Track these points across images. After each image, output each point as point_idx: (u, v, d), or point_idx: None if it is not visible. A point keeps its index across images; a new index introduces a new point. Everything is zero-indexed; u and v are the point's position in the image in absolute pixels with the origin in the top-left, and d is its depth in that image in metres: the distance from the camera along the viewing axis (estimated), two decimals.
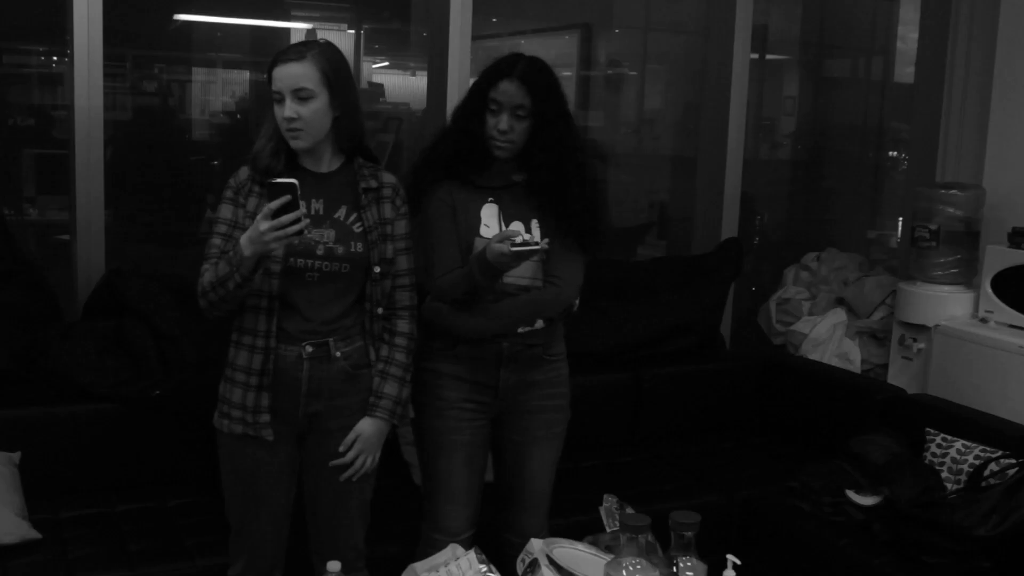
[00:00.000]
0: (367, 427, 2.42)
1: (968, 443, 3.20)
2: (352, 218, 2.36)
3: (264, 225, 2.14)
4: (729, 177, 4.45)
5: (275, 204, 2.14)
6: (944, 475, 3.17)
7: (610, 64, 6.00)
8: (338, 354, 2.37)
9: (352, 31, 5.98)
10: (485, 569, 1.95)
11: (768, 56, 5.87)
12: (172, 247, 4.91)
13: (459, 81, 3.87)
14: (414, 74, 5.85)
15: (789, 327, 4.44)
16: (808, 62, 6.11)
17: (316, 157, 2.37)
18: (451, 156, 2.53)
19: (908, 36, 5.50)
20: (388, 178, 2.44)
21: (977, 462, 3.09)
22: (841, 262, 4.59)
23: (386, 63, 6.21)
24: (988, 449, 3.13)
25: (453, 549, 2.10)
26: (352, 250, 2.34)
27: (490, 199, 2.53)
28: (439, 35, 3.93)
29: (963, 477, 3.11)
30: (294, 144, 2.31)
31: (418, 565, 2.06)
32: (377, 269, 2.37)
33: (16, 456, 2.92)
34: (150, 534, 2.86)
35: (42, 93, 4.95)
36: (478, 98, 2.50)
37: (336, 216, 2.35)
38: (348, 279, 2.36)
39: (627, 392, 3.84)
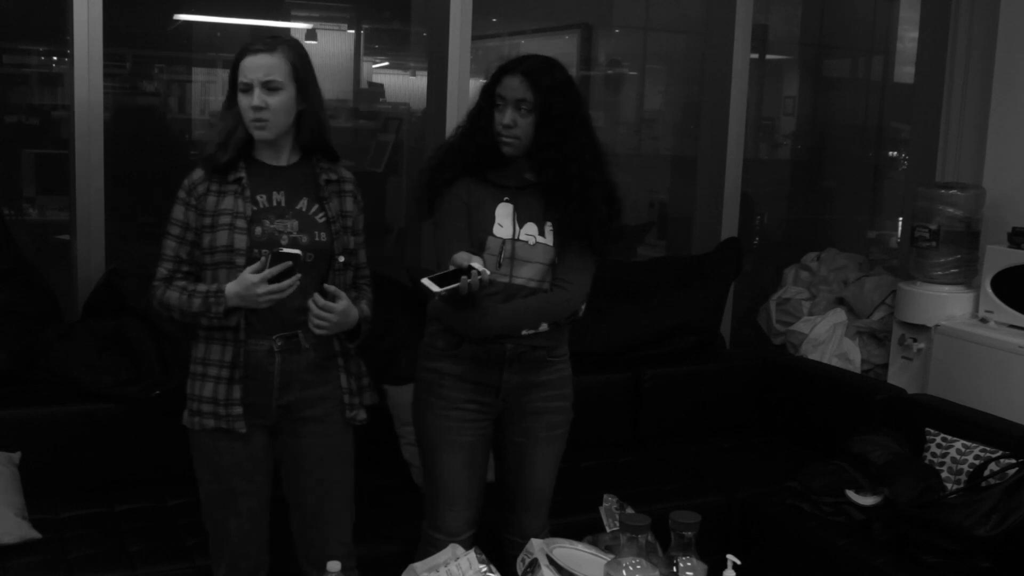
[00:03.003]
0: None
1: (968, 443, 3.20)
2: (314, 209, 2.39)
3: (262, 289, 2.23)
4: (729, 177, 4.45)
5: (276, 270, 2.23)
6: (944, 475, 3.17)
7: (610, 64, 6.00)
8: (307, 345, 2.39)
9: (352, 31, 5.98)
10: (485, 569, 1.95)
11: (768, 56, 5.87)
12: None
13: (459, 81, 3.87)
14: (414, 74, 5.85)
15: (789, 327, 4.44)
16: (808, 62, 6.11)
17: (276, 150, 2.40)
18: (467, 153, 2.53)
19: (908, 36, 5.50)
20: (347, 173, 2.48)
21: (977, 462, 3.09)
22: (841, 262, 4.59)
23: (386, 63, 6.21)
24: (988, 449, 3.13)
25: (453, 549, 2.10)
26: (316, 239, 2.37)
27: (506, 198, 2.52)
28: (439, 35, 3.93)
29: (963, 477, 3.11)
30: (258, 135, 2.34)
31: (418, 565, 2.06)
32: (341, 258, 2.39)
33: (16, 456, 2.92)
34: (150, 534, 2.86)
35: (42, 93, 4.95)
36: (487, 95, 2.51)
37: (298, 207, 2.38)
38: (312, 268, 2.36)
39: (627, 392, 3.84)
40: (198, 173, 2.38)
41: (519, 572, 2.09)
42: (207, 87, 5.55)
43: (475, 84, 3.98)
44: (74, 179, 3.37)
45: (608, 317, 3.84)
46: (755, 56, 5.37)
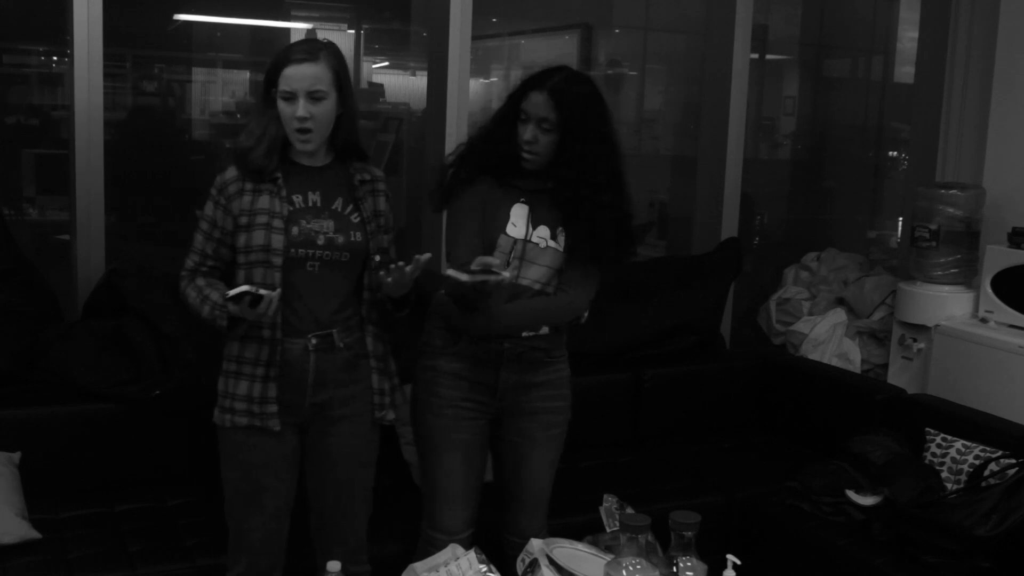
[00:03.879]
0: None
1: (968, 443, 3.20)
2: (349, 209, 2.41)
3: (251, 315, 2.24)
4: (729, 177, 4.45)
5: (246, 309, 2.22)
6: (944, 475, 3.17)
7: (610, 64, 6.00)
8: (341, 344, 2.40)
9: (352, 31, 5.98)
10: (485, 569, 1.95)
11: (768, 56, 5.88)
12: (172, 247, 4.92)
13: (459, 81, 3.87)
14: (414, 74, 5.85)
15: (789, 327, 4.44)
16: (808, 62, 6.11)
17: (312, 152, 2.39)
18: (488, 156, 2.53)
19: (908, 36, 5.50)
20: (379, 173, 2.50)
21: (977, 462, 3.09)
22: (841, 262, 4.59)
23: (386, 63, 6.22)
24: (988, 449, 3.13)
25: (453, 549, 2.10)
26: (352, 239, 2.39)
27: (522, 199, 2.53)
28: (439, 35, 3.93)
29: (963, 477, 3.11)
30: (303, 146, 2.35)
31: (418, 565, 2.06)
32: (376, 257, 2.41)
33: (16, 456, 2.92)
34: (150, 534, 2.85)
35: (42, 93, 4.95)
36: (511, 106, 2.51)
37: (334, 207, 2.40)
38: (348, 268, 2.40)
39: (627, 392, 3.84)
40: (231, 172, 2.37)
41: (519, 572, 2.09)
42: (207, 87, 5.55)
43: (475, 84, 3.98)
44: (74, 179, 3.37)
45: (608, 317, 3.83)
46: (755, 56, 5.37)
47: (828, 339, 4.27)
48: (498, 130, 2.52)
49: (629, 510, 2.39)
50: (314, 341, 2.38)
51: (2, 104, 4.79)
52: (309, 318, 2.37)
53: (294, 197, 2.36)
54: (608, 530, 2.39)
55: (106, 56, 3.33)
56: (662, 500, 3.10)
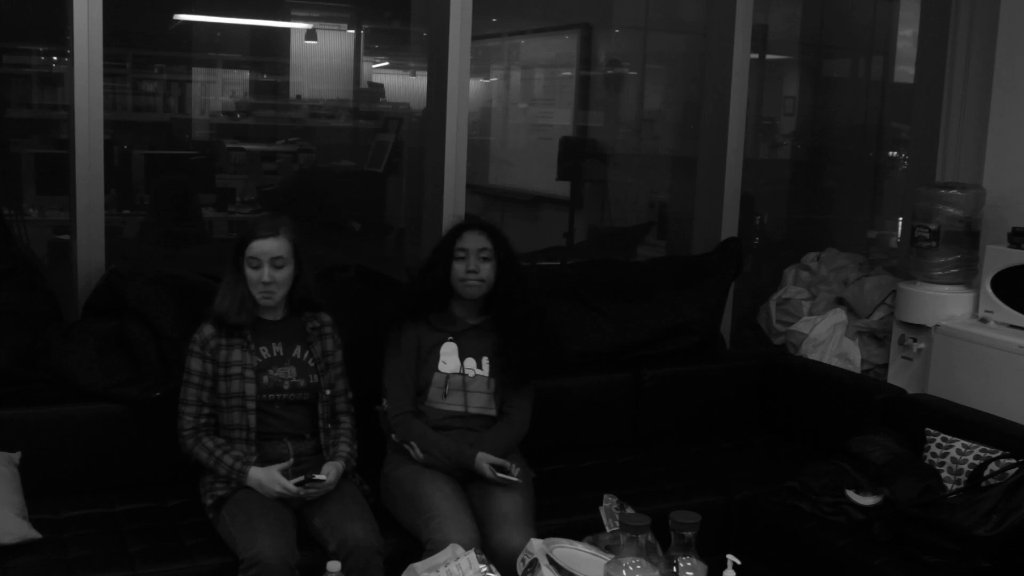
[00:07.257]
0: (333, 466, 2.84)
1: (968, 443, 3.20)
2: (306, 355, 2.91)
3: (279, 488, 2.70)
4: (729, 177, 4.45)
5: (300, 489, 2.69)
6: (944, 475, 3.17)
7: (610, 64, 6.01)
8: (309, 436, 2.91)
9: (352, 31, 5.99)
10: (485, 569, 1.96)
11: (768, 56, 5.88)
12: (172, 247, 4.93)
13: (459, 81, 3.87)
14: (414, 74, 5.87)
15: (789, 327, 4.44)
16: (808, 62, 6.12)
17: (273, 309, 2.88)
18: (421, 303, 3.02)
19: (908, 36, 5.51)
20: (326, 317, 2.98)
21: (977, 462, 3.09)
22: (841, 262, 4.59)
23: (386, 63, 6.23)
24: (988, 449, 3.13)
25: (453, 549, 2.11)
26: (310, 381, 2.90)
27: (450, 338, 3.01)
28: (439, 35, 3.93)
29: (963, 477, 3.11)
30: (265, 302, 2.82)
31: (418, 565, 2.07)
32: (328, 392, 2.92)
33: (16, 456, 2.92)
34: (150, 534, 2.85)
35: (42, 93, 4.96)
36: (443, 254, 2.99)
37: (294, 355, 2.89)
38: (308, 405, 2.90)
39: (627, 392, 3.84)
40: (208, 330, 2.83)
41: (519, 572, 2.09)
42: (207, 87, 5.56)
43: (475, 84, 3.98)
44: (74, 179, 3.37)
45: (608, 317, 3.83)
46: (755, 56, 5.38)
47: (828, 339, 4.27)
48: (430, 277, 3.01)
49: (629, 510, 2.40)
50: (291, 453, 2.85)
51: (2, 104, 4.80)
52: (278, 450, 2.82)
53: (261, 349, 2.84)
54: (608, 530, 2.40)
55: (106, 56, 3.33)
56: (662, 500, 3.10)
